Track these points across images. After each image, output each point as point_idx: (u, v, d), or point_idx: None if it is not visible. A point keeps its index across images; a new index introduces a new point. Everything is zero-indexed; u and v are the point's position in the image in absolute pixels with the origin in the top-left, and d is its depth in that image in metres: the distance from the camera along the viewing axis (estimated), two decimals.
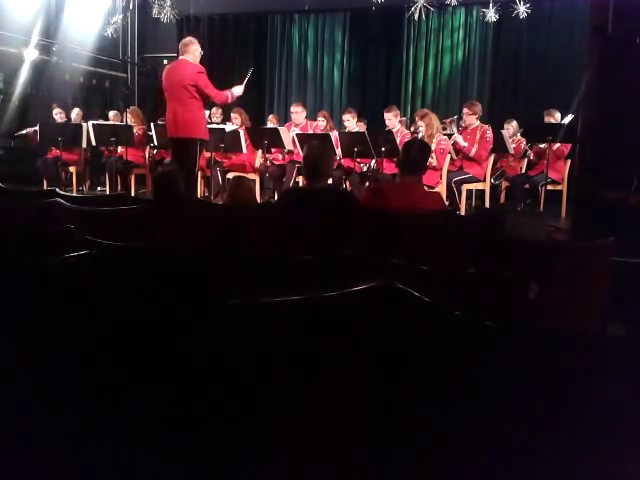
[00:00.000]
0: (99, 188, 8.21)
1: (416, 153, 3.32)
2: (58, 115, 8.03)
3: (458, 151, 6.42)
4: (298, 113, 7.24)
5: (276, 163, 7.24)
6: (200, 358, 1.13)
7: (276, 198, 6.56)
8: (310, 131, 7.13)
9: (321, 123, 7.22)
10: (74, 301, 1.22)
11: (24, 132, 7.88)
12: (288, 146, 6.79)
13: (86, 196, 6.22)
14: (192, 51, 5.54)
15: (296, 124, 7.28)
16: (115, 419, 1.16)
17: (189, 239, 2.35)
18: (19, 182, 6.72)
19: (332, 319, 1.14)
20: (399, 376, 1.15)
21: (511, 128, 7.23)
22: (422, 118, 6.26)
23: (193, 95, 5.44)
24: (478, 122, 6.44)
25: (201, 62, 5.67)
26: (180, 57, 5.63)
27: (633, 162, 4.23)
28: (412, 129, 7.07)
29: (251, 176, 6.83)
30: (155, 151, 7.88)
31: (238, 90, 5.74)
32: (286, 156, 7.20)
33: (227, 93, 5.69)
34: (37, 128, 7.42)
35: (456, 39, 9.29)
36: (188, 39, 5.67)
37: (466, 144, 6.32)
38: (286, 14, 10.09)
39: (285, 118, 8.97)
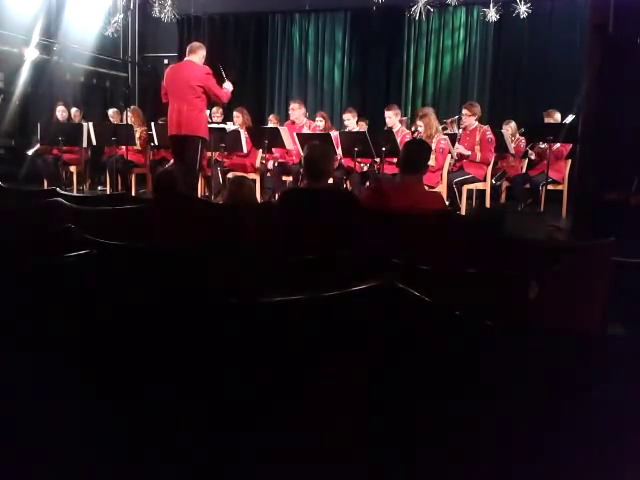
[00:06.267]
0: (99, 188, 8.21)
1: (417, 152, 3.32)
2: (60, 113, 8.03)
3: (462, 156, 6.42)
4: (294, 110, 7.26)
5: (274, 161, 7.23)
6: (200, 358, 1.13)
7: (276, 198, 6.56)
8: (309, 131, 7.13)
9: (319, 123, 7.23)
10: (74, 301, 1.22)
11: (36, 148, 7.84)
12: (288, 146, 6.80)
13: (86, 196, 6.22)
14: (200, 54, 5.72)
15: (293, 122, 7.28)
16: (115, 419, 1.16)
17: (189, 239, 2.35)
18: (19, 182, 6.74)
19: (332, 319, 1.14)
20: (399, 376, 1.15)
21: (510, 129, 7.24)
22: (421, 118, 6.27)
23: (199, 95, 5.58)
24: (477, 123, 6.45)
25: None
26: (186, 58, 5.77)
27: (633, 162, 4.23)
28: (412, 129, 7.07)
29: (251, 176, 6.83)
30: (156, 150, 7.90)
31: (229, 85, 5.93)
32: (291, 158, 7.19)
33: (227, 90, 5.85)
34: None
35: (457, 39, 9.29)
36: (198, 44, 5.87)
37: (469, 153, 6.32)
38: (287, 14, 10.09)
39: (285, 118, 8.97)
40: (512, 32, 8.76)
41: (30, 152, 7.86)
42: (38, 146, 7.62)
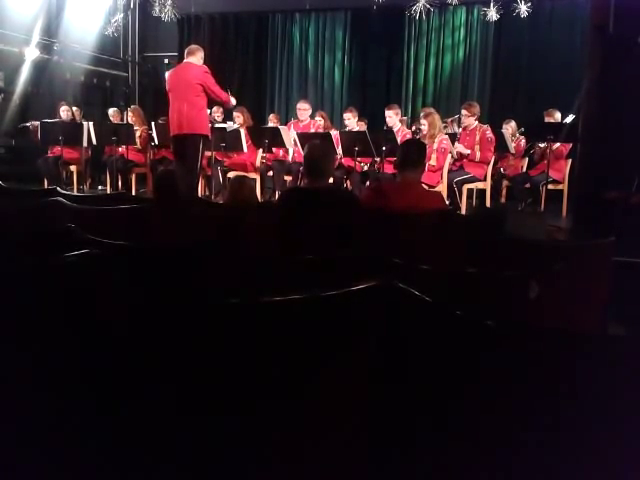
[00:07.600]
0: (100, 187, 8.21)
1: (413, 149, 3.34)
2: (65, 113, 8.02)
3: (462, 155, 6.42)
4: (306, 110, 7.31)
5: (274, 160, 7.24)
6: (200, 358, 1.13)
7: (277, 197, 6.56)
8: (312, 130, 7.15)
9: (320, 122, 7.25)
10: (74, 301, 1.22)
11: (27, 124, 7.82)
12: (289, 145, 6.80)
13: (87, 195, 6.22)
14: (199, 56, 5.85)
15: (301, 120, 7.31)
16: (115, 419, 1.16)
17: (189, 239, 2.35)
18: (20, 181, 6.73)
19: (332, 319, 1.14)
20: (399, 376, 1.15)
21: (510, 128, 7.24)
22: (425, 117, 6.29)
23: (199, 93, 5.70)
24: (477, 123, 6.44)
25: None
26: (186, 60, 5.88)
27: (634, 162, 4.23)
28: (413, 128, 7.08)
29: (252, 175, 6.84)
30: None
31: (233, 100, 6.13)
32: (292, 156, 7.20)
33: (229, 97, 5.98)
34: (39, 123, 7.42)
35: (457, 38, 9.29)
36: (196, 46, 6.03)
37: (469, 151, 6.32)
38: (287, 13, 10.10)
39: (286, 117, 8.97)
40: (512, 32, 8.76)
41: (26, 125, 7.84)
42: (35, 122, 7.58)
